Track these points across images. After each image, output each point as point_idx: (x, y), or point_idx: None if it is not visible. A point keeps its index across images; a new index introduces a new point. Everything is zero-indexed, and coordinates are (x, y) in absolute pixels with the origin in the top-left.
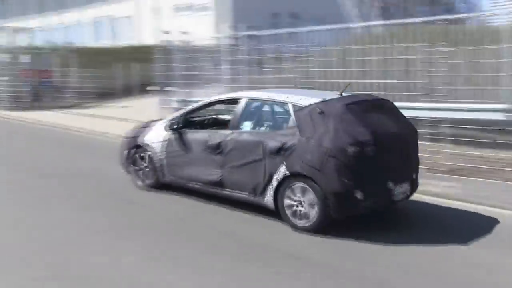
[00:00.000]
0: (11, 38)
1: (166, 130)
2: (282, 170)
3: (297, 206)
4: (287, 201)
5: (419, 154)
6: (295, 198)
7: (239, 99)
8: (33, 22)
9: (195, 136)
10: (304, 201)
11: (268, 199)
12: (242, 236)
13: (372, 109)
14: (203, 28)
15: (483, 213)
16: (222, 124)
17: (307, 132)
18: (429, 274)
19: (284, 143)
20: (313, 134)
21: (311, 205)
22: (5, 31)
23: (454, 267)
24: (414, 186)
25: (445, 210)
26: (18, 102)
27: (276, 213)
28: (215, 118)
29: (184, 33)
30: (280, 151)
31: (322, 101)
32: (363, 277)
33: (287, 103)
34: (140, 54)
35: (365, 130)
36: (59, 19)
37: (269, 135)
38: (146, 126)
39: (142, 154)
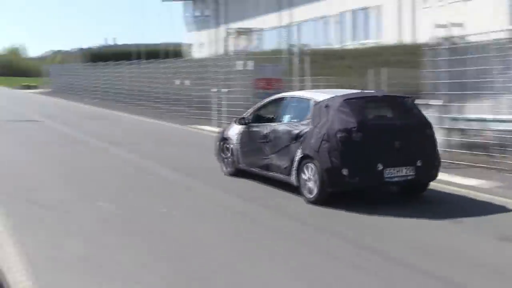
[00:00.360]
0: (239, 41)
1: (240, 124)
2: (299, 153)
3: (308, 182)
4: (302, 178)
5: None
6: (307, 175)
7: (284, 98)
8: (253, 23)
9: (256, 129)
10: (311, 178)
11: (293, 177)
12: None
13: (375, 104)
14: (486, 19)
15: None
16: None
17: (315, 122)
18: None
19: (301, 131)
20: (318, 123)
21: (315, 181)
22: (231, 34)
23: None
24: (423, 173)
25: None
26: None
27: (298, 188)
28: (275, 113)
29: (458, 25)
30: (299, 138)
31: (332, 96)
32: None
33: (310, 100)
34: (398, 57)
35: (355, 120)
36: (284, 19)
37: (295, 126)
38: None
39: (226, 146)
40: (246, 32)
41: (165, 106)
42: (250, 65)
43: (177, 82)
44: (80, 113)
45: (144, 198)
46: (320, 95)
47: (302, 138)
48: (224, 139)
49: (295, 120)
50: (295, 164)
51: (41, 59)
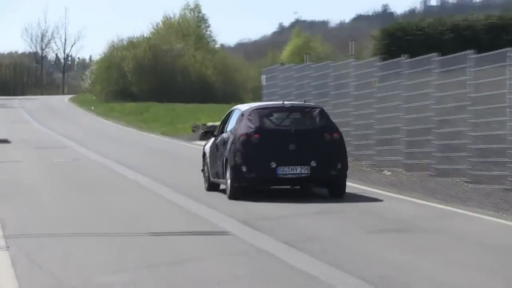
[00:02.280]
0: None
1: (211, 137)
2: (225, 156)
3: (228, 180)
4: (226, 178)
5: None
6: (227, 175)
7: (233, 110)
8: None
9: (216, 141)
10: (228, 177)
11: (226, 179)
12: None
13: (281, 113)
14: None
15: None
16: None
17: (233, 128)
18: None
19: (228, 137)
20: (234, 130)
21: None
22: None
23: None
24: (318, 172)
25: None
26: None
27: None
28: (227, 124)
29: None
30: (226, 143)
31: (250, 107)
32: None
33: (239, 110)
34: None
35: (254, 125)
36: None
37: (228, 134)
38: None
39: (206, 161)
40: None
41: None
42: None
43: None
44: None
45: None
46: (246, 106)
47: (227, 144)
48: (204, 154)
49: (231, 129)
50: (223, 167)
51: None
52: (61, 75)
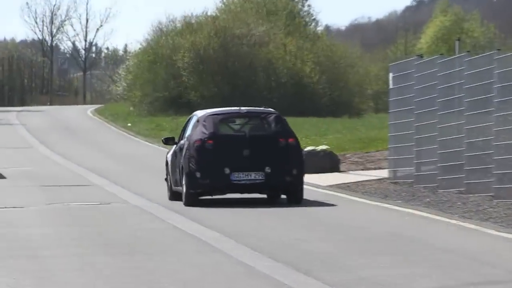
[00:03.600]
0: None
1: (173, 144)
2: (180, 163)
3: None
4: (182, 185)
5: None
6: (183, 181)
7: (191, 116)
8: None
9: (176, 148)
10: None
11: (182, 186)
12: None
13: (237, 119)
14: None
15: None
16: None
17: (189, 135)
18: None
19: (184, 144)
20: (189, 136)
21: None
22: None
23: None
24: (273, 178)
25: None
26: None
27: None
28: (185, 130)
29: None
30: (182, 150)
31: (205, 113)
32: None
33: (196, 115)
34: None
35: (208, 131)
36: None
37: (186, 141)
38: None
39: (168, 169)
40: None
41: None
42: None
43: None
44: None
45: None
46: (203, 112)
47: (183, 150)
48: (166, 163)
49: (187, 135)
50: (180, 174)
51: None
52: (80, 74)
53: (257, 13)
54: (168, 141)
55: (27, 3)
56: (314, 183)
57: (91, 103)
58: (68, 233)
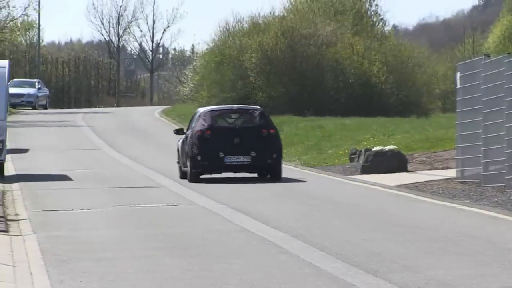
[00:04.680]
0: None
1: (183, 134)
2: (186, 149)
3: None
4: (188, 166)
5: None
6: (188, 164)
7: (197, 111)
8: None
9: (184, 136)
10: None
11: (188, 167)
12: None
13: (230, 114)
14: None
15: None
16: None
17: (192, 127)
18: None
19: (188, 134)
20: (192, 127)
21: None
22: None
23: None
24: (257, 160)
25: None
26: None
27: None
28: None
29: None
30: (187, 138)
31: (205, 109)
32: None
33: (199, 111)
34: None
35: (207, 124)
36: None
37: (190, 130)
38: None
39: (179, 154)
40: None
41: None
42: None
43: None
44: None
45: None
46: (204, 109)
47: (189, 139)
48: (177, 149)
49: (192, 127)
50: (186, 157)
51: None
52: (147, 75)
53: (325, 13)
54: (178, 132)
55: (93, 4)
56: (382, 183)
57: (158, 104)
58: (135, 234)
